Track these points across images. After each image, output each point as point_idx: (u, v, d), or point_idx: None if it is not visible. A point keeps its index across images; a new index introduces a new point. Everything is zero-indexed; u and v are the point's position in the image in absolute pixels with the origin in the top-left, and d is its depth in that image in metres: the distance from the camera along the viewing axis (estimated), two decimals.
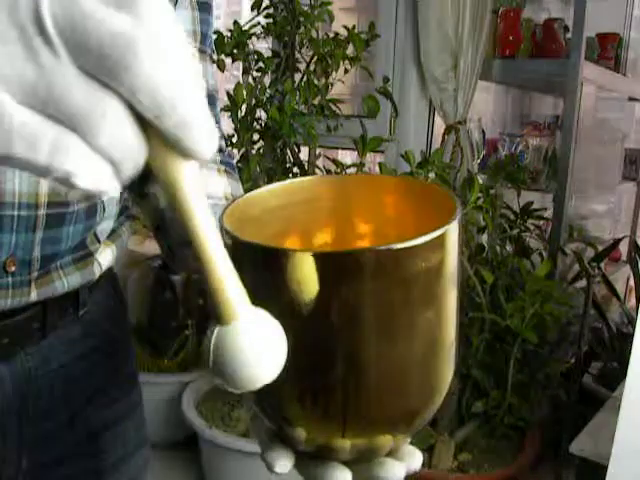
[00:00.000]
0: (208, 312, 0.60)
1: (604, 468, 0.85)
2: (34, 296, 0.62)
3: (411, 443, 0.44)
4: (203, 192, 0.31)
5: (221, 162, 0.74)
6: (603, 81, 2.46)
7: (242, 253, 0.38)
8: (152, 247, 2.27)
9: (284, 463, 0.43)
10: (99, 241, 0.69)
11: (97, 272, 0.69)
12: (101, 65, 0.26)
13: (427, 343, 0.39)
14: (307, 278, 0.35)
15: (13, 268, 0.59)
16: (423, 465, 0.45)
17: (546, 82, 2.60)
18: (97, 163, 0.27)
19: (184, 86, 0.27)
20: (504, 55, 2.32)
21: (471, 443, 1.82)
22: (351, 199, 0.49)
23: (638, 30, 3.17)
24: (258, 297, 0.36)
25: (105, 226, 0.70)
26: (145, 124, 0.28)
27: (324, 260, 0.35)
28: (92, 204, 0.64)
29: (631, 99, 3.12)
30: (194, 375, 2.23)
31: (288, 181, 0.48)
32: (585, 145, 2.29)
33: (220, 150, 0.76)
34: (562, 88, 2.14)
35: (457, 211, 0.39)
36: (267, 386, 0.34)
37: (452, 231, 0.37)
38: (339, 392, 0.38)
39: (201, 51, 0.73)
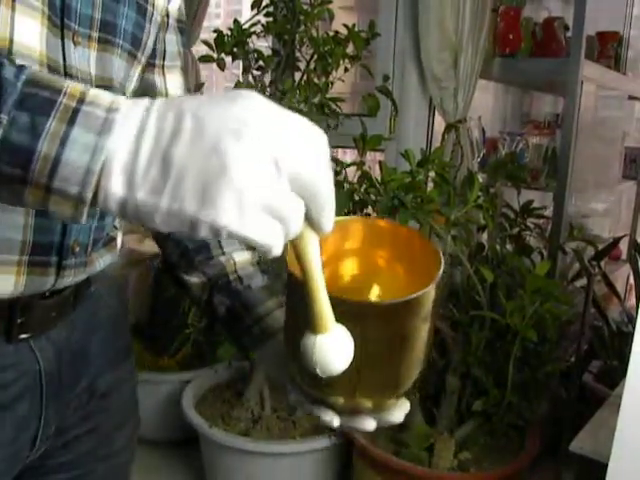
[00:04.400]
0: (225, 314, 0.80)
1: (604, 466, 0.85)
2: (84, 275, 0.73)
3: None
4: (319, 251, 0.51)
5: None
6: (603, 80, 2.47)
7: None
8: (152, 246, 2.27)
9: (337, 419, 0.64)
10: (116, 228, 0.82)
11: (118, 252, 0.82)
12: (303, 192, 0.45)
13: (405, 353, 0.60)
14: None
15: (77, 249, 0.69)
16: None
17: (546, 81, 2.60)
18: (282, 240, 0.46)
19: (332, 197, 0.48)
20: (504, 54, 2.32)
21: (471, 442, 1.82)
22: (374, 234, 0.67)
23: (638, 29, 3.17)
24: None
25: None
26: None
27: (348, 306, 0.55)
28: None
29: (631, 97, 3.12)
30: (194, 374, 2.23)
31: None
32: (585, 144, 2.29)
33: None
34: (562, 87, 2.14)
35: (438, 275, 0.58)
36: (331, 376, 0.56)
37: (430, 292, 0.57)
38: (357, 376, 0.58)
39: (183, 69, 0.87)
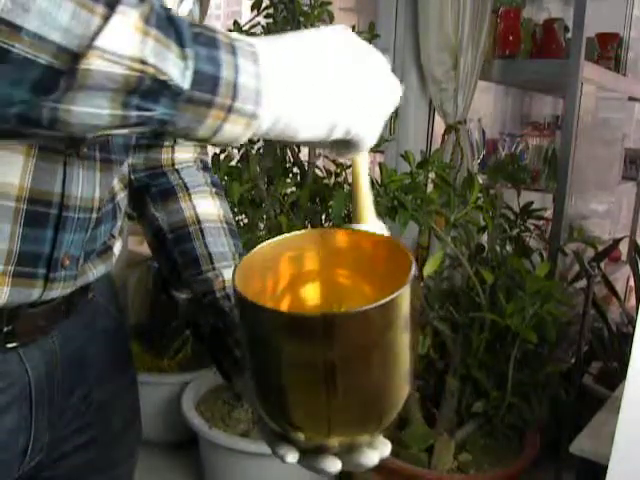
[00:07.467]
0: (209, 334, 0.77)
1: (604, 468, 0.85)
2: (74, 287, 0.71)
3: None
4: (367, 165, 0.63)
5: (211, 182, 0.86)
6: (603, 81, 2.47)
7: (250, 312, 0.51)
8: None
9: (293, 455, 0.58)
10: (114, 236, 0.80)
11: (114, 261, 0.81)
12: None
13: (386, 373, 0.52)
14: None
15: (67, 263, 0.67)
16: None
17: (546, 82, 2.60)
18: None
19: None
20: (504, 55, 2.32)
21: (471, 443, 1.82)
22: (333, 250, 0.61)
23: (638, 30, 3.17)
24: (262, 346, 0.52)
25: (119, 224, 0.81)
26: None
27: (312, 321, 0.48)
28: (113, 206, 0.76)
29: (631, 99, 3.12)
30: (194, 375, 2.23)
31: (282, 236, 0.61)
32: (585, 145, 2.29)
33: (207, 168, 0.88)
34: (562, 88, 2.14)
35: (410, 275, 0.51)
36: (279, 407, 0.53)
37: (404, 294, 0.50)
38: (329, 409, 0.51)
39: None
